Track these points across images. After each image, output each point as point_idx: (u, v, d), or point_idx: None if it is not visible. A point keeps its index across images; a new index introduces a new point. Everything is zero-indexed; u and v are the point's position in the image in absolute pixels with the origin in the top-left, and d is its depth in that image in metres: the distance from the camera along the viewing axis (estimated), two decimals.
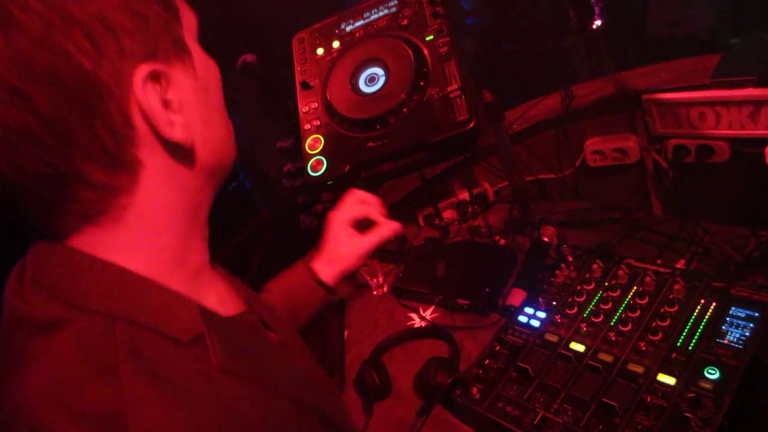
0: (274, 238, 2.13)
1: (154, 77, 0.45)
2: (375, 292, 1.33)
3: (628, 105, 1.36)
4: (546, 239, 1.19)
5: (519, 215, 1.32)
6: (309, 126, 1.15)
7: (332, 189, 1.14)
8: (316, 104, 1.16)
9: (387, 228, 0.93)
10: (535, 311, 1.03)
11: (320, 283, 0.92)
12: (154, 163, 0.47)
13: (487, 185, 1.55)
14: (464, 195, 1.52)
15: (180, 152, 0.49)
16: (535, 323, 1.00)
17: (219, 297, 0.57)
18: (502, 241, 1.34)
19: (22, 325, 0.44)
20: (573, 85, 1.46)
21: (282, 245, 1.06)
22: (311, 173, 1.10)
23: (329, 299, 0.94)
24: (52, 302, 0.44)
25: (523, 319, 1.02)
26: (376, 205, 0.95)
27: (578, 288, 1.03)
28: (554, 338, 0.96)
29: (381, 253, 1.36)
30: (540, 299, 1.05)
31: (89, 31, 0.41)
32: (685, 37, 3.25)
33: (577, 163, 1.50)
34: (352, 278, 1.03)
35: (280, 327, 0.68)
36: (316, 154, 1.11)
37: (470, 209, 1.49)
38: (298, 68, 1.22)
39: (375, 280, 1.32)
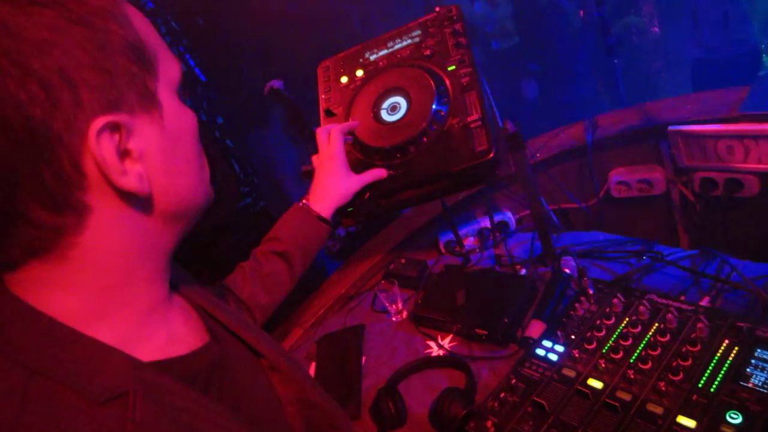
0: None
1: (113, 128, 0.46)
2: (394, 318, 1.33)
3: (654, 136, 1.35)
4: (567, 271, 1.18)
5: (541, 245, 1.30)
6: None
7: (352, 216, 1.15)
8: None
9: (375, 170, 1.08)
10: (554, 344, 1.01)
11: (322, 219, 1.06)
12: (103, 207, 0.48)
13: (509, 213, 1.54)
14: (486, 223, 1.51)
15: (134, 199, 0.50)
16: (553, 357, 0.99)
17: (170, 336, 0.57)
18: (523, 271, 1.33)
19: None
20: (597, 115, 1.46)
21: None
22: None
23: (330, 231, 1.08)
24: None
25: (540, 352, 1.01)
26: (337, 126, 1.10)
27: (598, 322, 1.01)
28: (572, 373, 0.94)
29: (401, 279, 1.36)
30: (559, 332, 1.03)
31: (45, 83, 0.42)
32: (725, 62, 3.20)
33: (601, 193, 1.48)
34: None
35: (270, 349, 0.68)
36: None
37: (492, 237, 1.48)
38: (322, 96, 1.24)
39: (394, 306, 1.32)
